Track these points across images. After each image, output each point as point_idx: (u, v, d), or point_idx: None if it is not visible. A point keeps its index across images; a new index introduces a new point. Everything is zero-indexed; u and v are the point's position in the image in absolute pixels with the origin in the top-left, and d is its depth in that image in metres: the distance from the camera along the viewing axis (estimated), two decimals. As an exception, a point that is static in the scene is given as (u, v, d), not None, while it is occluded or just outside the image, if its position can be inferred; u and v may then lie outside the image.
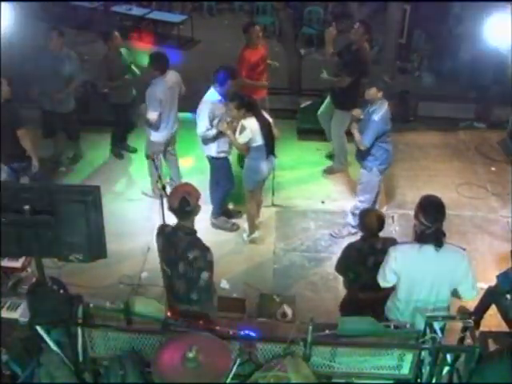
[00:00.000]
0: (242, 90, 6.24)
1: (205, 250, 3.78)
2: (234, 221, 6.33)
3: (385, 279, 3.80)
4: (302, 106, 8.22)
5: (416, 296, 3.71)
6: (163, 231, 3.92)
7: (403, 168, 7.36)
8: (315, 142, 7.61)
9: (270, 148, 5.59)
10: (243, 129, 5.41)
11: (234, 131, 5.50)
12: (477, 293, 3.79)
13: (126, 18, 11.73)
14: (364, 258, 4.25)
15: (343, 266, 4.47)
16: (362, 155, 5.70)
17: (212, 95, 5.62)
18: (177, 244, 3.79)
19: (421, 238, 3.64)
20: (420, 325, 3.55)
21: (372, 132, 5.43)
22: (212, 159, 5.91)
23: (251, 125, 5.40)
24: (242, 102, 5.39)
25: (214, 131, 5.59)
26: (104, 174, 7.07)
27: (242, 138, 5.45)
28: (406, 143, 7.94)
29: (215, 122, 5.58)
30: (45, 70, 6.57)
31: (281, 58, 8.72)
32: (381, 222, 4.31)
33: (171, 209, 3.77)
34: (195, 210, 3.75)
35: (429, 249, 3.60)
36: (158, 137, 6.25)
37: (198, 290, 3.79)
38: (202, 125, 5.58)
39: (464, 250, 3.76)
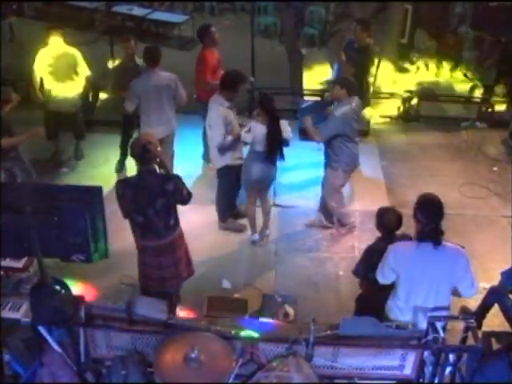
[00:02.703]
0: (207, 93, 6.21)
1: (176, 176, 4.49)
2: (242, 221, 6.29)
3: (383, 276, 3.82)
4: (304, 105, 8.21)
5: (415, 294, 3.71)
6: (128, 183, 4.39)
7: (405, 168, 7.37)
8: (316, 141, 7.58)
9: (269, 156, 5.49)
10: (249, 131, 5.40)
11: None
12: (476, 291, 3.76)
13: (127, 19, 11.74)
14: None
15: (363, 268, 4.44)
16: (327, 155, 5.71)
17: (220, 101, 5.49)
18: (149, 186, 4.29)
19: (419, 235, 3.65)
20: (421, 324, 3.56)
21: (329, 126, 5.41)
22: (224, 169, 5.76)
23: (256, 131, 5.35)
24: (262, 103, 5.35)
25: (230, 138, 5.49)
26: (106, 175, 7.06)
27: (243, 137, 5.46)
28: (407, 143, 7.96)
29: (229, 128, 5.49)
30: (52, 69, 6.60)
31: (282, 58, 8.75)
32: (399, 219, 4.30)
33: (134, 155, 4.32)
34: (155, 156, 4.29)
35: (427, 246, 3.60)
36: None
37: (176, 214, 4.49)
38: (218, 133, 5.45)
39: (463, 248, 3.76)
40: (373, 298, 4.29)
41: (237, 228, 6.25)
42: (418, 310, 3.71)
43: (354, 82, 5.53)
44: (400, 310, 3.80)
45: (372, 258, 4.33)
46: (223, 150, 5.57)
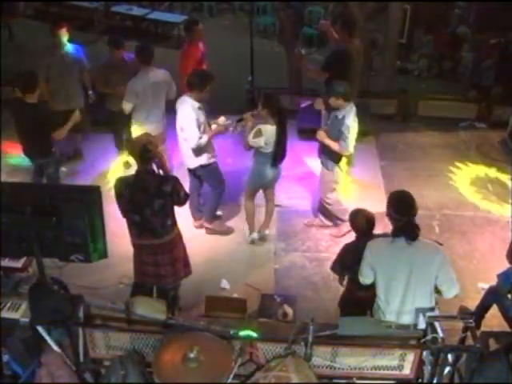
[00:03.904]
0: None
1: (174, 178, 4.47)
2: (228, 224, 6.26)
3: (362, 274, 3.83)
4: (303, 105, 8.22)
5: (394, 292, 3.70)
6: (126, 182, 4.33)
7: (404, 168, 7.37)
8: (315, 141, 7.59)
9: (278, 157, 5.52)
10: (259, 134, 5.31)
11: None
12: (457, 291, 3.71)
13: (126, 18, 11.74)
14: (360, 257, 4.25)
15: (339, 266, 4.50)
16: (323, 155, 5.73)
17: (190, 103, 5.41)
18: (147, 187, 4.28)
19: (393, 231, 3.69)
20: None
21: (349, 136, 5.41)
22: (202, 168, 5.74)
23: (268, 133, 5.31)
24: (272, 103, 5.32)
25: (205, 137, 5.45)
26: (105, 175, 7.06)
27: (253, 142, 5.36)
28: (406, 143, 7.96)
29: (202, 128, 5.44)
30: (58, 68, 6.60)
31: (281, 58, 8.76)
32: (370, 221, 4.32)
33: (133, 155, 4.31)
34: (155, 156, 4.29)
35: (401, 242, 3.62)
36: (140, 131, 6.14)
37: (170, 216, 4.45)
38: (194, 135, 5.39)
39: (441, 245, 3.77)
40: (353, 298, 4.31)
41: (224, 231, 6.17)
42: (399, 311, 3.71)
43: (348, 89, 5.48)
44: (382, 311, 3.80)
45: (347, 256, 4.37)
46: (199, 150, 5.54)
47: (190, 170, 5.85)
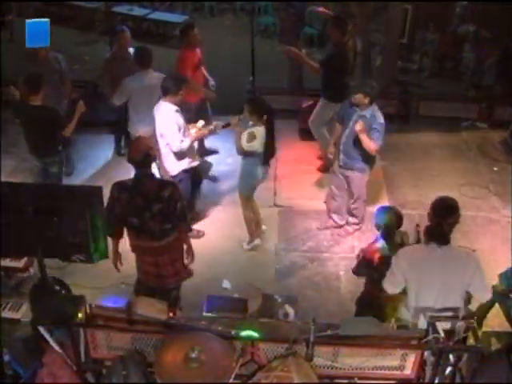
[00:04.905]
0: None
1: (174, 184, 4.44)
2: (198, 228, 6.16)
3: (392, 283, 3.80)
4: (303, 106, 8.22)
5: (426, 298, 3.70)
6: (125, 187, 4.28)
7: (405, 168, 7.36)
8: (316, 141, 7.60)
9: (267, 156, 5.49)
10: (252, 138, 5.27)
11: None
12: (489, 295, 3.78)
13: (126, 19, 11.75)
14: (387, 257, 4.23)
15: (364, 268, 4.45)
16: (353, 158, 5.62)
17: (168, 107, 5.36)
18: (146, 190, 4.26)
19: (425, 234, 3.71)
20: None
21: (382, 134, 5.36)
22: (181, 174, 5.61)
23: (261, 135, 5.29)
24: (259, 108, 5.30)
25: (188, 141, 5.41)
26: (106, 174, 7.06)
27: (249, 147, 5.31)
28: (407, 143, 7.95)
29: (182, 131, 5.38)
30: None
31: (282, 58, 8.76)
32: (400, 219, 4.32)
33: (133, 160, 4.24)
34: (153, 159, 4.39)
35: (433, 247, 3.63)
36: (136, 132, 6.16)
37: (174, 219, 4.36)
38: (176, 139, 5.34)
39: (474, 251, 3.78)
40: (375, 298, 4.29)
41: (195, 235, 5.96)
42: (428, 311, 3.70)
43: (376, 90, 5.42)
44: (411, 309, 3.80)
45: (372, 257, 4.33)
46: (182, 155, 5.50)
47: (172, 178, 5.67)
